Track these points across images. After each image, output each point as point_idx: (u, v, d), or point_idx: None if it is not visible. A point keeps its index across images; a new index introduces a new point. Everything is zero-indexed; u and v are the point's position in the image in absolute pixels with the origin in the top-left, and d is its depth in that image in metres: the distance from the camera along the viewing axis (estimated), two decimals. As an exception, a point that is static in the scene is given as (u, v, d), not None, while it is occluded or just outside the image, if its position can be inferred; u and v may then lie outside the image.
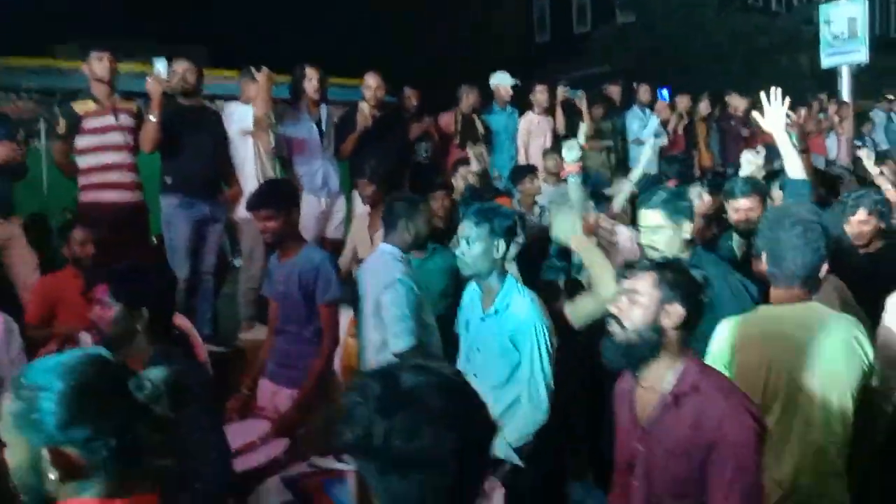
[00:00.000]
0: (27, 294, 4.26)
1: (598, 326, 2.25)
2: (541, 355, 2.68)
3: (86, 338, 3.38)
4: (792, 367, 2.23)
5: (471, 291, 3.03)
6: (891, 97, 10.45)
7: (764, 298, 2.53)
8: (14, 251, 4.51)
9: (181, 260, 4.65)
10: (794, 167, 3.22)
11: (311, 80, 5.35)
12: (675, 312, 1.94)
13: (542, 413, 2.67)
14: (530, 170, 5.47)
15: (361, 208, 5.34)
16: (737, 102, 8.01)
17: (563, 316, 2.93)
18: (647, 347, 1.95)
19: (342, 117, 5.76)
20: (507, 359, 2.74)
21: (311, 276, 3.37)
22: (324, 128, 5.44)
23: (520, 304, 2.77)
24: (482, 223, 2.79)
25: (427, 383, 1.19)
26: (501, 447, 2.63)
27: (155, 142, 4.58)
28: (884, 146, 9.05)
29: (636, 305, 1.96)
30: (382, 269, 3.35)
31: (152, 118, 4.51)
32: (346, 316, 3.89)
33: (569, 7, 21.75)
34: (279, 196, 3.45)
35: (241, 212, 4.68)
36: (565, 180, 3.99)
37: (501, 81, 6.89)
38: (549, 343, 2.71)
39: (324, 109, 5.47)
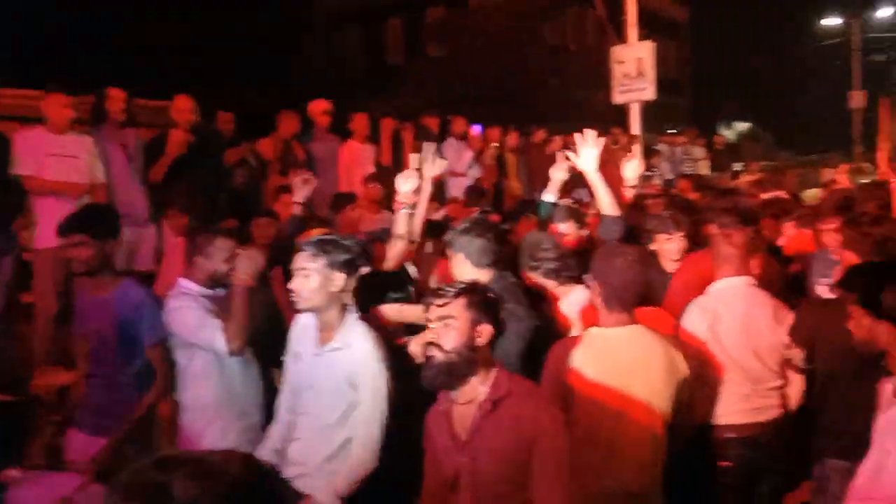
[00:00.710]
0: None
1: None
2: (379, 397, 2.57)
3: None
4: (622, 382, 2.44)
5: (304, 322, 2.83)
6: (673, 132, 11.63)
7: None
8: None
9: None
10: (606, 204, 3.45)
11: (114, 101, 4.99)
12: (486, 330, 2.14)
13: (373, 457, 2.55)
14: (351, 198, 5.43)
15: (173, 239, 5.06)
16: (542, 135, 8.52)
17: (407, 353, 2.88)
18: (465, 365, 2.11)
19: (151, 142, 5.43)
20: (342, 397, 2.59)
21: (131, 315, 3.10)
22: (131, 152, 5.10)
23: (361, 344, 2.62)
24: (319, 255, 2.64)
25: (208, 493, 1.04)
26: (327, 495, 2.52)
27: None
28: (668, 176, 10.01)
29: (451, 329, 2.12)
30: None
31: None
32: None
33: (382, 39, 22.16)
34: (96, 222, 3.15)
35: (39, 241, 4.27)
36: (390, 210, 3.99)
37: (318, 108, 6.83)
38: (387, 383, 2.59)
39: (131, 133, 5.12)
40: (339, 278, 2.65)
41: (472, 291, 2.17)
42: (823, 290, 3.57)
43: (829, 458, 2.65)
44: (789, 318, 2.96)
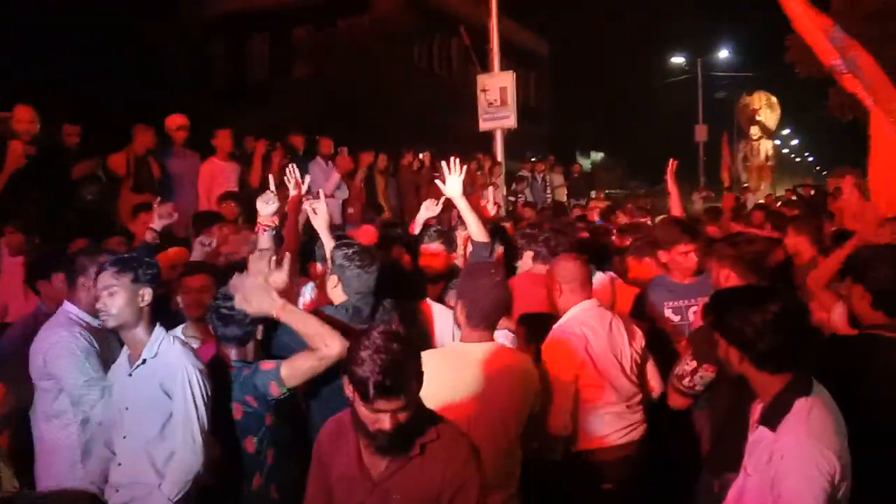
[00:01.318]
0: None
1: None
2: (194, 397, 2.56)
3: None
4: (480, 394, 2.50)
5: (121, 354, 2.81)
6: (534, 159, 12.07)
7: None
8: None
9: None
10: (476, 230, 3.48)
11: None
12: None
13: (198, 457, 2.54)
14: (216, 217, 5.19)
15: (10, 258, 4.68)
16: (411, 158, 8.58)
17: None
18: None
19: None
20: (159, 409, 2.60)
21: None
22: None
23: (168, 350, 2.65)
24: (124, 272, 2.65)
25: None
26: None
27: None
28: (530, 199, 10.39)
29: None
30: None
31: None
32: None
33: (243, 56, 21.65)
34: None
35: None
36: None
37: (175, 123, 6.54)
38: (203, 385, 2.59)
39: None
40: (147, 293, 2.68)
41: None
42: (669, 313, 3.75)
43: (724, 473, 2.59)
44: (639, 333, 3.14)
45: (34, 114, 5.13)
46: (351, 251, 2.95)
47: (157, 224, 4.49)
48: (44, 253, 4.12)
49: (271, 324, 2.75)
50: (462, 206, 3.51)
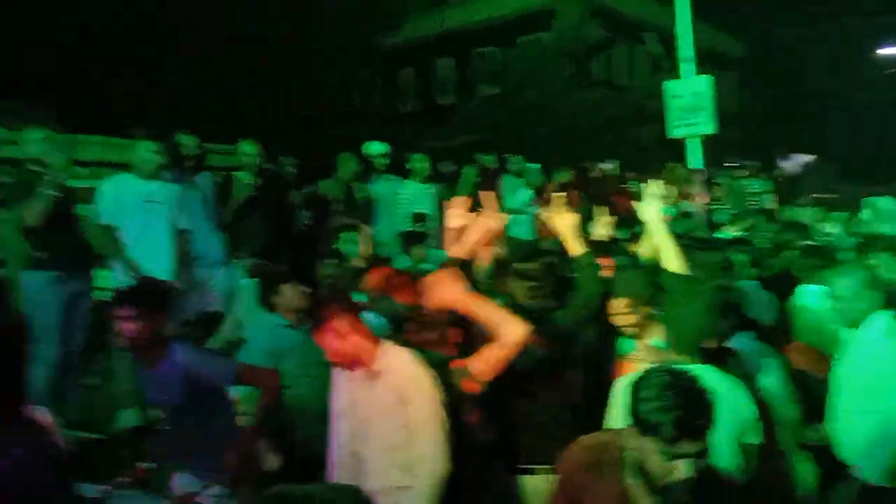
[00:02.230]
0: None
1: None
2: (431, 400, 2.78)
3: None
4: None
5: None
6: (734, 165, 11.44)
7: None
8: None
9: (50, 338, 4.31)
10: (671, 260, 3.15)
11: (187, 147, 5.20)
12: None
13: (443, 457, 2.74)
14: (421, 237, 5.49)
15: (245, 280, 5.22)
16: (600, 172, 8.51)
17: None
18: None
19: (219, 185, 5.62)
20: (398, 416, 2.80)
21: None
22: (204, 196, 5.29)
23: (395, 359, 2.87)
24: None
25: None
26: None
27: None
28: (732, 210, 9.84)
29: None
30: None
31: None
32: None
33: (430, 79, 22.46)
34: (146, 296, 3.22)
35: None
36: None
37: (374, 150, 6.97)
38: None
39: (204, 177, 5.32)
40: None
41: None
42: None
43: None
44: None
45: (258, 147, 5.67)
46: None
47: (364, 248, 4.82)
48: (271, 272, 4.61)
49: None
50: (659, 231, 3.21)
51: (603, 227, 4.45)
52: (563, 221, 3.40)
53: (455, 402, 2.83)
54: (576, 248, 3.35)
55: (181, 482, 3.32)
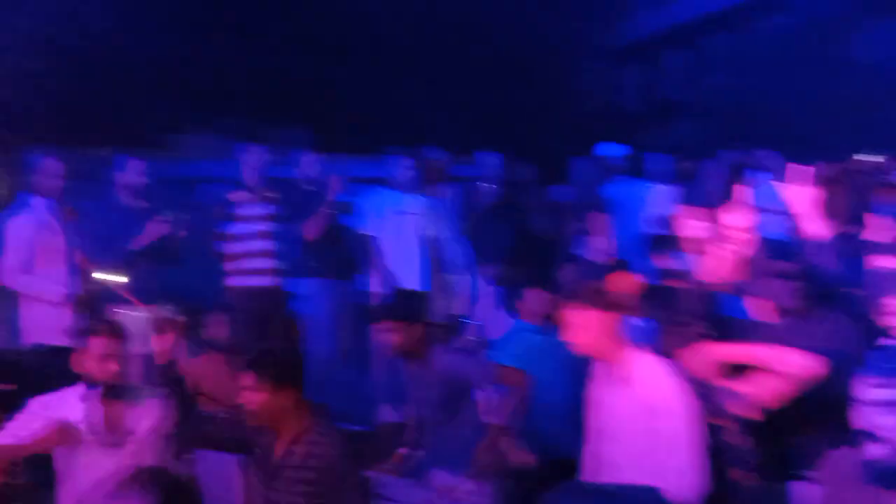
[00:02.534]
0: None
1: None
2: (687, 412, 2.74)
3: None
4: None
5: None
6: None
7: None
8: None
9: (324, 338, 4.82)
10: None
11: (434, 160, 5.55)
12: None
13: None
14: (664, 241, 5.34)
15: (486, 287, 5.44)
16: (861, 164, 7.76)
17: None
18: None
19: (463, 196, 5.91)
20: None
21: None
22: (450, 207, 5.61)
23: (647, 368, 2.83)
24: None
25: None
26: None
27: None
28: None
29: None
30: None
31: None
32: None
33: (658, 73, 21.67)
34: (405, 309, 3.57)
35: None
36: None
37: (612, 152, 6.90)
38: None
39: (449, 188, 5.64)
40: None
41: None
42: None
43: None
44: None
45: (500, 157, 5.89)
46: None
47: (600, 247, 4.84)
48: (514, 278, 4.81)
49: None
50: None
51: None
52: (801, 196, 3.14)
53: (719, 420, 2.76)
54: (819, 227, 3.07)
55: (440, 476, 3.56)
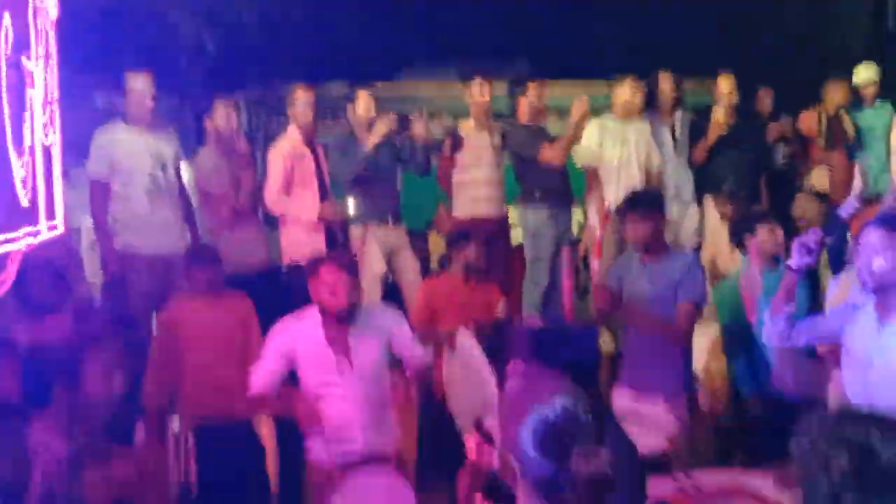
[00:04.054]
0: (411, 295, 4.82)
1: None
2: None
3: (464, 337, 3.69)
4: None
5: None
6: None
7: None
8: (401, 256, 5.08)
9: (544, 271, 4.98)
10: None
11: (665, 85, 5.37)
12: None
13: None
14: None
15: (714, 219, 5.26)
16: None
17: None
18: None
19: (693, 123, 5.66)
20: None
21: (678, 280, 3.51)
22: (678, 134, 5.42)
23: None
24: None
25: None
26: None
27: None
28: None
29: None
30: None
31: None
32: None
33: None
34: (652, 201, 3.74)
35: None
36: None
37: (863, 76, 6.22)
38: None
39: (678, 115, 5.45)
40: None
41: None
42: None
43: None
44: None
45: (733, 83, 5.55)
46: None
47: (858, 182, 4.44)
48: (748, 214, 4.59)
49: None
50: None
51: None
52: None
53: None
54: None
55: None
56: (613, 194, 4.99)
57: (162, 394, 3.85)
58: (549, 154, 4.95)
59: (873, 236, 2.56)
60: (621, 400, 3.62)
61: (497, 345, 2.29)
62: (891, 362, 2.53)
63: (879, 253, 2.53)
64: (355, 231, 4.92)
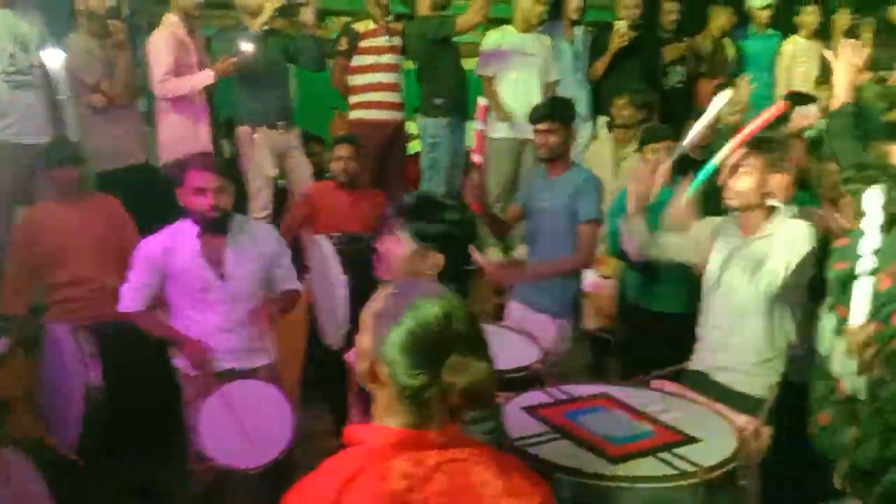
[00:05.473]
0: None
1: None
2: None
3: (323, 246, 3.62)
4: None
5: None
6: None
7: None
8: (292, 160, 4.87)
9: (440, 180, 4.88)
10: None
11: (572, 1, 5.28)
12: None
13: None
14: (807, 98, 4.95)
15: (604, 132, 5.29)
16: None
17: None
18: None
19: (594, 39, 5.61)
20: None
21: (575, 194, 3.47)
22: (578, 49, 5.37)
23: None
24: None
25: None
26: None
27: None
28: None
29: None
30: None
31: None
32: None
33: None
34: (563, 111, 3.58)
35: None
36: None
37: (759, 2, 6.32)
38: None
39: (579, 30, 5.38)
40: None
41: None
42: None
43: None
44: None
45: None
46: None
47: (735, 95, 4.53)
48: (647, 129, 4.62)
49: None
50: None
51: None
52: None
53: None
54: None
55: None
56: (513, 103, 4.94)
57: (22, 303, 3.60)
58: (464, 19, 4.80)
59: (737, 156, 2.65)
60: (512, 314, 3.68)
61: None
62: (740, 267, 2.66)
63: (743, 173, 2.64)
64: (242, 131, 4.67)
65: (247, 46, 4.38)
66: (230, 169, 3.06)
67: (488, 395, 1.26)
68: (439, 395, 1.22)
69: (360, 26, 4.88)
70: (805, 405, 2.59)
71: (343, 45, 4.85)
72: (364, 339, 1.28)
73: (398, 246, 1.92)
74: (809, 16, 6.23)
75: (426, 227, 1.92)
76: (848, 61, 2.74)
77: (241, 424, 2.84)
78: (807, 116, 4.40)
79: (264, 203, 4.67)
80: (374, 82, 4.86)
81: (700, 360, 2.81)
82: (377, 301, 1.31)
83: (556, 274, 3.51)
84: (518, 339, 3.20)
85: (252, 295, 3.04)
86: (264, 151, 4.65)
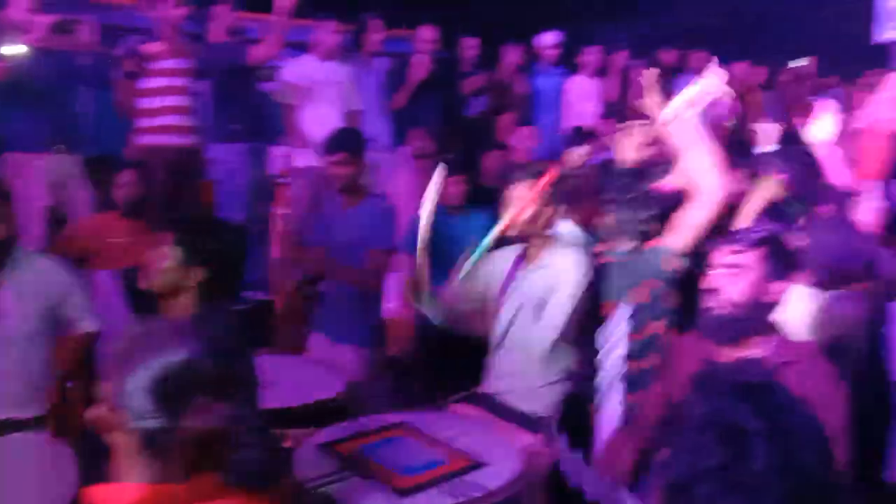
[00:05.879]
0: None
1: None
2: None
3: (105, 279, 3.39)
4: None
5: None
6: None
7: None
8: (70, 189, 4.49)
9: (239, 205, 4.71)
10: None
11: (373, 33, 5.32)
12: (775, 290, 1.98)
13: None
14: (586, 136, 5.31)
15: (406, 164, 5.37)
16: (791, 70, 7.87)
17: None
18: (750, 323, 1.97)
19: (392, 70, 5.69)
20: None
21: (370, 225, 3.46)
22: (379, 81, 5.42)
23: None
24: None
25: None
26: None
27: None
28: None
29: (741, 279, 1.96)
30: None
31: None
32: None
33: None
34: (354, 142, 3.54)
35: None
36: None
37: (547, 42, 6.76)
38: None
39: (381, 61, 5.44)
40: None
41: (774, 242, 2.01)
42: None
43: None
44: None
45: (436, 33, 5.67)
46: None
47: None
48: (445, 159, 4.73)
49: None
50: None
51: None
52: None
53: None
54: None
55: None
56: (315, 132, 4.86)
57: None
58: (259, 51, 4.73)
59: (518, 189, 2.74)
60: (314, 346, 3.60)
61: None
62: (524, 303, 2.79)
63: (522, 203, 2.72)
64: (10, 158, 4.23)
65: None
66: (6, 194, 2.70)
67: (235, 437, 1.20)
68: (185, 442, 1.14)
69: (148, 47, 4.61)
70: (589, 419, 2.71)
71: (129, 66, 4.55)
72: (105, 383, 1.17)
73: (162, 258, 2.03)
74: (589, 56, 6.75)
75: (192, 242, 2.03)
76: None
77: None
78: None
79: (37, 237, 4.25)
80: (164, 106, 4.60)
81: (490, 385, 2.90)
82: (120, 342, 1.20)
83: (345, 280, 3.49)
84: (320, 371, 3.14)
85: (32, 337, 2.72)
86: (36, 180, 4.24)
